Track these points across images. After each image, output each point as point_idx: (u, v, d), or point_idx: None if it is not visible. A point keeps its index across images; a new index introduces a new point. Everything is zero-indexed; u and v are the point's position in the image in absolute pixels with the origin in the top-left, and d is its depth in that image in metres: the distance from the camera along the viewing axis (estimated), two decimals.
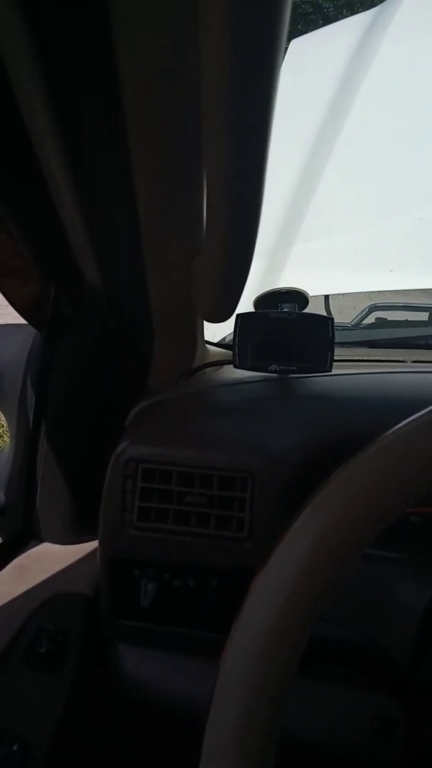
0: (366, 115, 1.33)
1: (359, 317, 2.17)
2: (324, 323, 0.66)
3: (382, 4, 1.58)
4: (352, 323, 2.08)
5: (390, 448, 0.32)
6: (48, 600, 0.69)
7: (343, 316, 2.36)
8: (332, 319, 0.66)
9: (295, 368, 0.67)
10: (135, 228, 0.54)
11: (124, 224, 0.55)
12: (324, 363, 0.66)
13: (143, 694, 0.67)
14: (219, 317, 0.60)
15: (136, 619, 0.64)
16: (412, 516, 0.68)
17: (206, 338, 0.89)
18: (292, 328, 0.66)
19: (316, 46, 1.76)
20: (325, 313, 1.21)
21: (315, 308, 0.77)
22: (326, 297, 1.28)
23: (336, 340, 0.67)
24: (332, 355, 0.66)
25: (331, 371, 0.67)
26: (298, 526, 0.32)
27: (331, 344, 0.66)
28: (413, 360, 0.90)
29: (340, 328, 1.64)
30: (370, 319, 2.15)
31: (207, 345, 0.83)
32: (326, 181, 1.24)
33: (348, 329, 1.62)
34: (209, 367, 0.79)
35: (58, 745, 0.58)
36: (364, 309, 2.24)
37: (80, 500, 0.75)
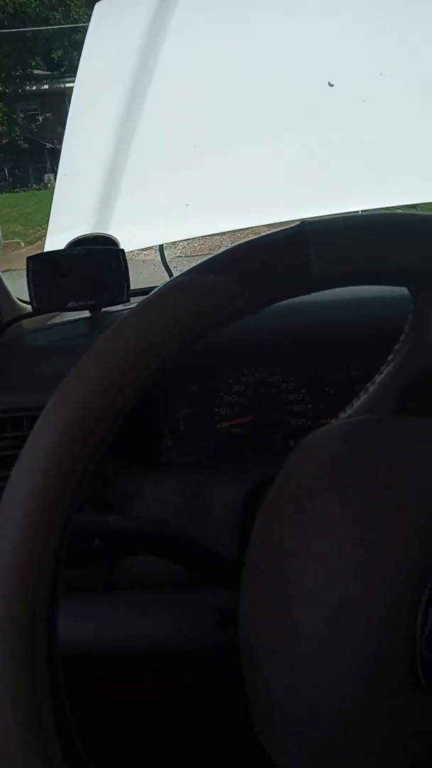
0: (174, 69, 1.35)
1: None
2: (116, 255, 0.68)
3: None
4: None
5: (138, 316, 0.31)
6: None
7: None
8: (123, 250, 0.68)
9: (93, 303, 0.68)
10: None
11: None
12: (121, 294, 0.67)
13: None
14: None
15: None
16: (235, 428, 0.72)
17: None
18: (84, 264, 0.67)
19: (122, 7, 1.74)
20: (164, 267, 1.22)
21: None
22: (161, 247, 1.28)
23: None
24: (128, 285, 0.68)
25: (129, 301, 0.68)
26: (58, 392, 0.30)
27: (125, 275, 0.68)
28: None
29: None
30: None
31: (20, 302, 0.81)
32: (142, 136, 1.25)
33: None
34: (24, 319, 0.77)
35: None
36: None
37: None
